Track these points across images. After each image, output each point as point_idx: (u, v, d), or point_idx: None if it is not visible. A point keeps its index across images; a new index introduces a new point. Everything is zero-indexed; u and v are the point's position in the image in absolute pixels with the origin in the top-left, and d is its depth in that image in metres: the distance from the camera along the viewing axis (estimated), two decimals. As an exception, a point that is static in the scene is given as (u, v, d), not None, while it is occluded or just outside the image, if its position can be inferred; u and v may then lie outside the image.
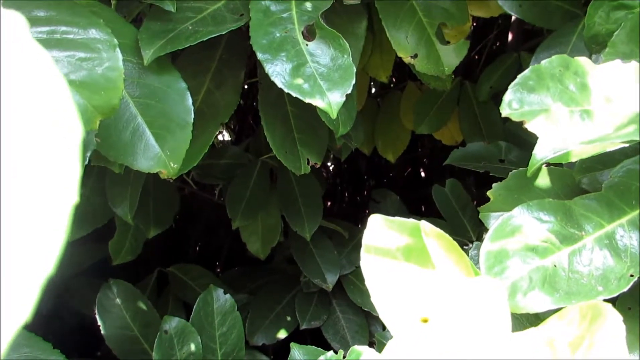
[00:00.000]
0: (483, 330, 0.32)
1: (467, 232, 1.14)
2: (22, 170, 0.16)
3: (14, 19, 0.19)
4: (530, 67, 0.47)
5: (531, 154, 0.61)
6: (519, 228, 0.53)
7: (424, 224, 0.47)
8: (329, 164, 2.05)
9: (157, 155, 0.64)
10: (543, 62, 0.47)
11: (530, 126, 0.46)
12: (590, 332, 0.33)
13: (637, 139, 0.40)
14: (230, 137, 1.81)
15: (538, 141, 0.59)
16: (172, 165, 0.65)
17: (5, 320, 0.14)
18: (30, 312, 0.15)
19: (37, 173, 0.16)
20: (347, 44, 0.66)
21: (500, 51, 1.53)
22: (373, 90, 1.60)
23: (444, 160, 1.07)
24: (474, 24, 1.56)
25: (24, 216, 0.15)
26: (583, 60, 0.47)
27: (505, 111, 0.47)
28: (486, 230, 1.15)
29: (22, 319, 0.15)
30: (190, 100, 0.67)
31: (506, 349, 0.32)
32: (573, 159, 0.58)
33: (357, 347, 0.61)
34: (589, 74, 0.46)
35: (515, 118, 0.47)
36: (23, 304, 0.14)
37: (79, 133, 0.18)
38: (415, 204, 1.85)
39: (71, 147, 0.17)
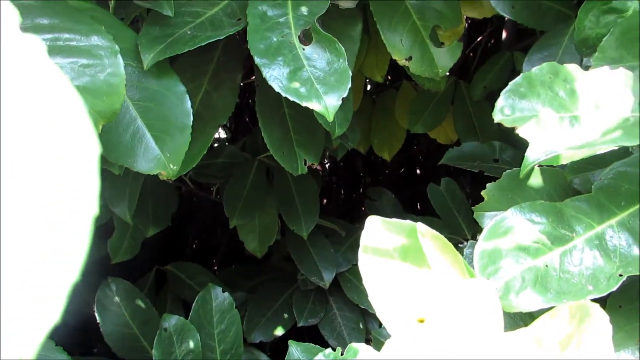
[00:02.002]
0: (476, 330, 0.34)
1: (462, 230, 1.16)
2: (46, 186, 0.17)
3: (33, 43, 0.20)
4: (522, 74, 0.48)
5: (524, 155, 0.63)
6: (511, 229, 0.55)
7: (420, 226, 0.49)
8: (325, 161, 2.06)
9: (156, 157, 0.66)
10: (534, 69, 0.49)
11: (521, 131, 0.47)
12: (579, 331, 0.34)
13: (623, 143, 0.42)
14: (227, 135, 1.82)
15: (530, 144, 0.61)
16: (171, 167, 0.66)
17: (37, 322, 0.15)
18: (60, 314, 0.16)
19: (59, 189, 0.18)
20: (343, 48, 0.67)
21: (494, 49, 1.54)
22: (368, 87, 1.61)
23: (440, 159, 1.09)
24: (468, 22, 1.57)
25: (50, 227, 0.17)
26: (572, 67, 0.49)
27: (497, 117, 0.49)
28: (480, 229, 1.16)
29: (52, 322, 0.16)
30: (189, 103, 0.68)
31: (498, 348, 0.33)
32: (563, 162, 0.59)
33: (354, 345, 0.62)
34: (578, 81, 0.48)
35: (507, 124, 0.48)
36: (52, 309, 0.16)
37: (96, 151, 0.19)
38: (411, 202, 1.87)
39: (90, 164, 0.19)
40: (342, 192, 2.21)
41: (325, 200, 2.11)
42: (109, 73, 0.55)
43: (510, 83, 0.49)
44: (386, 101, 1.43)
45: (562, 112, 0.46)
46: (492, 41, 1.65)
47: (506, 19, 1.36)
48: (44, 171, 0.18)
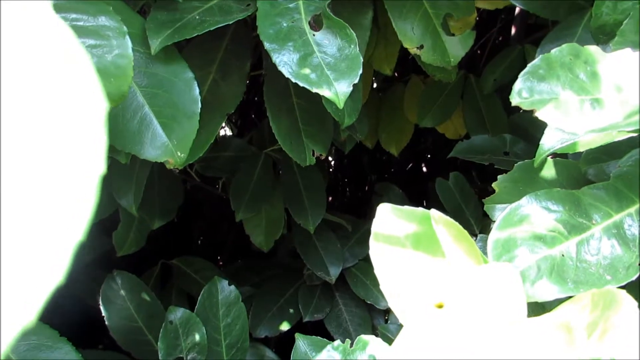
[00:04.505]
0: (499, 314, 0.32)
1: (471, 225, 1.14)
2: (50, 141, 0.16)
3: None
4: (541, 56, 0.47)
5: (537, 146, 0.61)
6: (526, 217, 0.53)
7: (434, 212, 0.47)
8: (330, 158, 2.05)
9: (164, 145, 0.64)
10: (553, 50, 0.47)
11: (540, 115, 0.46)
12: (604, 319, 0.33)
13: (648, 126, 0.40)
14: (232, 132, 1.81)
15: (545, 131, 0.60)
16: (179, 154, 0.65)
17: (41, 281, 0.14)
18: (63, 274, 0.15)
19: (64, 144, 0.16)
20: (354, 34, 0.66)
21: (502, 45, 1.53)
22: (374, 85, 1.59)
23: (446, 155, 1.07)
24: (476, 19, 1.55)
25: (56, 183, 0.15)
26: (593, 49, 0.47)
27: (515, 100, 0.47)
28: (490, 223, 1.14)
29: (56, 281, 0.15)
30: (197, 90, 0.67)
31: (523, 333, 0.32)
32: (581, 149, 0.58)
33: (364, 337, 0.61)
34: (599, 63, 0.46)
35: (525, 107, 0.47)
36: (55, 268, 0.15)
37: (103, 104, 0.18)
38: (417, 199, 1.85)
39: (97, 118, 0.17)
40: (348, 190, 2.19)
41: (330, 198, 2.10)
42: (116, 54, 0.54)
43: (529, 65, 0.47)
44: (394, 96, 1.42)
45: (582, 94, 0.45)
46: (500, 38, 1.63)
47: (515, 14, 1.35)
48: (49, 125, 0.17)
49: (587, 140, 0.55)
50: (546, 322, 0.32)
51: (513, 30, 1.34)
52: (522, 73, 0.47)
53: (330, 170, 2.09)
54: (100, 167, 0.17)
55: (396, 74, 1.61)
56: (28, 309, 0.14)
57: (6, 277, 0.14)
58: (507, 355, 0.31)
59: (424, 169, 2.12)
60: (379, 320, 1.25)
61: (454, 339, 0.32)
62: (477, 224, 1.14)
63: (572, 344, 0.31)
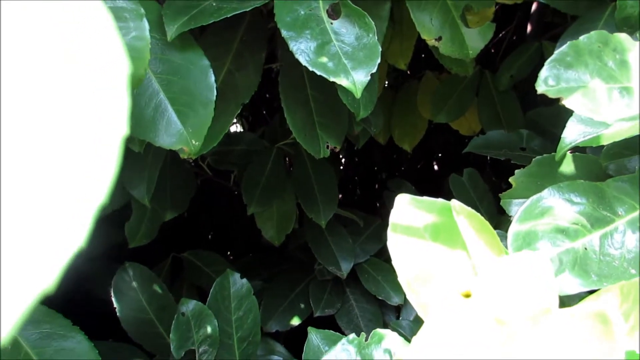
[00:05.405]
0: (531, 304, 0.31)
1: (485, 221, 1.13)
2: (71, 100, 0.15)
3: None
4: (568, 42, 0.46)
5: (556, 141, 0.60)
6: (548, 210, 0.52)
7: (455, 203, 0.46)
8: (340, 156, 2.04)
9: (179, 132, 0.64)
10: (581, 37, 0.46)
11: (567, 103, 0.45)
12: (635, 311, 0.32)
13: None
14: (244, 128, 1.81)
15: (567, 124, 0.58)
16: (193, 142, 0.64)
17: (63, 243, 0.13)
18: (85, 238, 0.14)
19: (86, 103, 0.16)
20: (373, 23, 0.65)
21: (518, 43, 1.51)
22: (386, 82, 1.58)
23: (457, 153, 1.06)
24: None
25: (75, 145, 0.15)
26: (623, 37, 0.46)
27: (541, 88, 0.46)
28: (505, 219, 1.13)
29: (77, 244, 0.14)
30: (212, 78, 0.66)
31: (556, 322, 0.31)
32: (604, 142, 0.56)
33: (379, 330, 0.60)
34: (629, 51, 0.45)
35: (551, 95, 0.46)
36: (77, 231, 0.14)
37: (126, 65, 0.17)
38: (428, 196, 1.83)
39: (119, 79, 0.17)
40: (358, 187, 2.18)
41: (341, 195, 2.09)
42: (133, 36, 0.53)
43: (556, 52, 0.46)
44: (408, 92, 1.41)
45: (611, 83, 0.44)
46: (514, 37, 1.62)
47: (532, 11, 1.34)
48: (72, 80, 0.16)
49: (612, 133, 0.54)
50: (580, 312, 0.31)
51: (529, 28, 1.33)
52: (548, 60, 0.46)
53: (341, 167, 2.08)
54: (123, 127, 0.16)
55: (408, 72, 1.60)
56: (48, 272, 0.13)
57: (25, 235, 0.13)
58: (541, 346, 0.30)
59: (435, 167, 2.11)
60: (390, 316, 1.24)
61: (484, 329, 0.31)
62: (492, 221, 1.12)
63: (609, 335, 0.30)
